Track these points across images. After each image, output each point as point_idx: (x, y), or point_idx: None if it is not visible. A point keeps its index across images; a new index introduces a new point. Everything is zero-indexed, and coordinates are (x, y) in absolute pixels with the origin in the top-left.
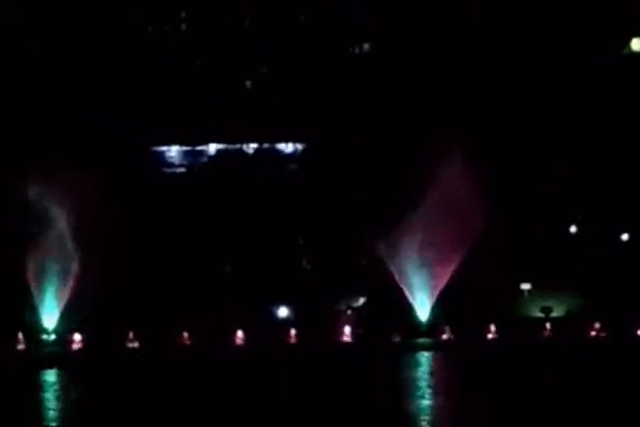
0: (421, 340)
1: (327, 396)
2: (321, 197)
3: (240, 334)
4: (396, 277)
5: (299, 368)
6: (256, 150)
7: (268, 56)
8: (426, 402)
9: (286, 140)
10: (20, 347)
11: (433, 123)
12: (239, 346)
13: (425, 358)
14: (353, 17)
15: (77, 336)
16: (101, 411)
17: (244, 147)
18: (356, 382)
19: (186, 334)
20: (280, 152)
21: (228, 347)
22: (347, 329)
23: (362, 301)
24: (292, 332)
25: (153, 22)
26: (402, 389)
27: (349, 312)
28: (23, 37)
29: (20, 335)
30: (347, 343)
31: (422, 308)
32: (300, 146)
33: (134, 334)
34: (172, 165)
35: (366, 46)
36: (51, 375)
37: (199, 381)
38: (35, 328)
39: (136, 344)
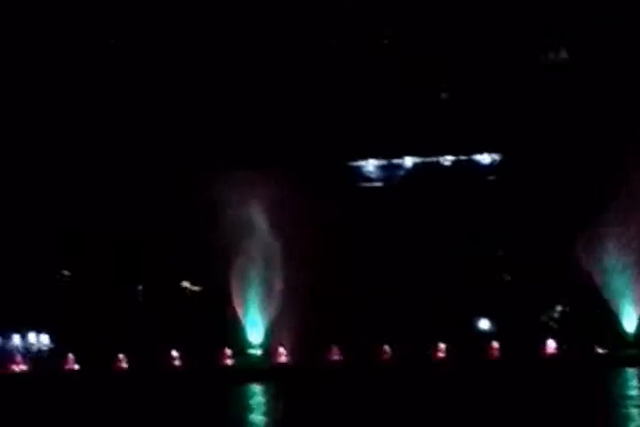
0: (630, 351)
1: (535, 413)
2: (520, 207)
3: (442, 346)
4: (600, 287)
5: (501, 381)
6: (453, 162)
7: (462, 67)
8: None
9: (483, 152)
10: (227, 361)
11: (632, 130)
12: (441, 358)
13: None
14: (546, 25)
15: (282, 350)
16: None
17: (441, 159)
18: (563, 397)
19: (387, 348)
20: (477, 163)
21: (430, 360)
22: (550, 342)
23: (564, 312)
24: (495, 344)
25: (338, 36)
26: (611, 406)
27: (552, 324)
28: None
29: (227, 350)
30: (550, 355)
31: (629, 318)
32: (497, 156)
33: (338, 349)
34: (369, 178)
35: (563, 54)
36: (257, 388)
37: (401, 395)
38: (241, 343)
39: (337, 357)
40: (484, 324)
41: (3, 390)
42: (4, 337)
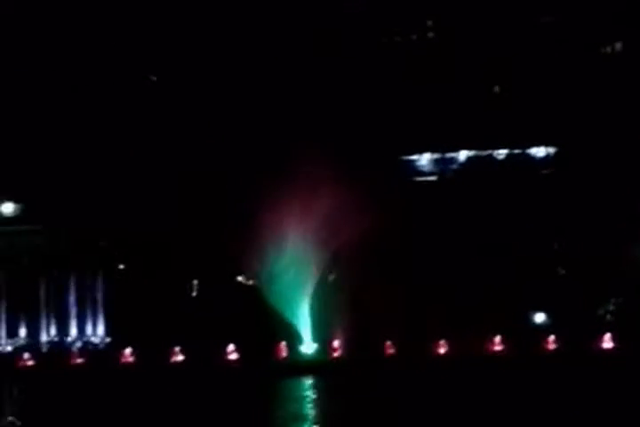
0: None
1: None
2: (575, 201)
3: (498, 339)
4: None
5: (557, 374)
6: (507, 156)
7: (516, 60)
8: None
9: (538, 145)
10: (283, 355)
11: None
12: (497, 352)
13: None
14: (604, 16)
15: (337, 344)
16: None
17: (495, 153)
18: (619, 390)
19: (442, 342)
20: (532, 157)
21: (486, 354)
22: (606, 335)
23: (620, 305)
24: (550, 338)
25: (400, 31)
26: None
27: (609, 317)
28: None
29: (283, 344)
30: (606, 349)
31: None
32: (552, 150)
33: (393, 343)
34: (422, 172)
35: (618, 46)
36: (311, 382)
37: (456, 389)
38: (296, 337)
39: (391, 351)
40: (540, 317)
41: (61, 384)
42: (61, 332)
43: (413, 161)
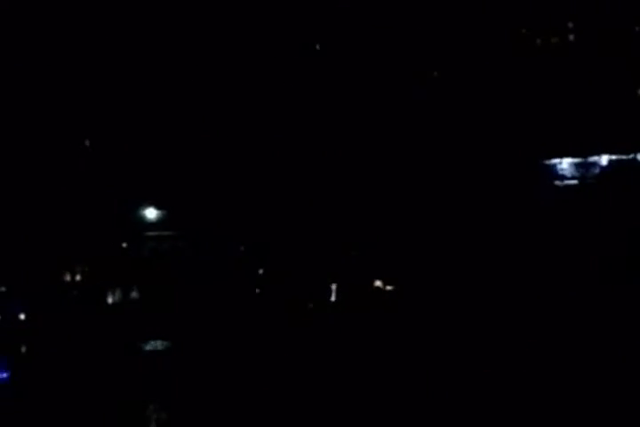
0: None
1: None
2: None
3: None
4: None
5: None
6: None
7: None
8: None
9: None
10: None
11: None
12: None
13: None
14: None
15: None
16: None
17: (639, 156)
18: None
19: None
20: None
21: None
22: None
23: None
24: None
25: (541, 34)
26: None
27: None
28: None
29: None
30: None
31: None
32: None
33: None
34: (563, 177)
35: None
36: None
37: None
38: None
39: None
40: None
41: None
42: None
43: (554, 165)
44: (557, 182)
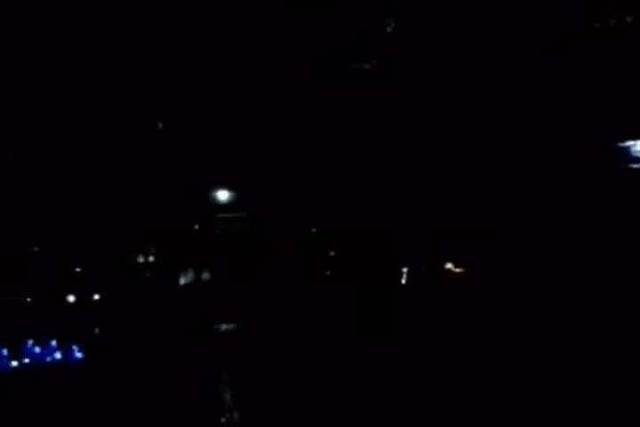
0: None
1: None
2: None
3: None
4: None
5: None
6: None
7: None
8: None
9: None
10: None
11: None
12: None
13: None
14: None
15: None
16: None
17: None
18: None
19: None
20: None
21: None
22: None
23: None
24: None
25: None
26: None
27: None
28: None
29: None
30: None
31: None
32: None
33: None
34: (637, 159)
35: None
36: None
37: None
38: None
39: None
40: None
41: None
42: None
43: (628, 147)
44: (633, 166)
